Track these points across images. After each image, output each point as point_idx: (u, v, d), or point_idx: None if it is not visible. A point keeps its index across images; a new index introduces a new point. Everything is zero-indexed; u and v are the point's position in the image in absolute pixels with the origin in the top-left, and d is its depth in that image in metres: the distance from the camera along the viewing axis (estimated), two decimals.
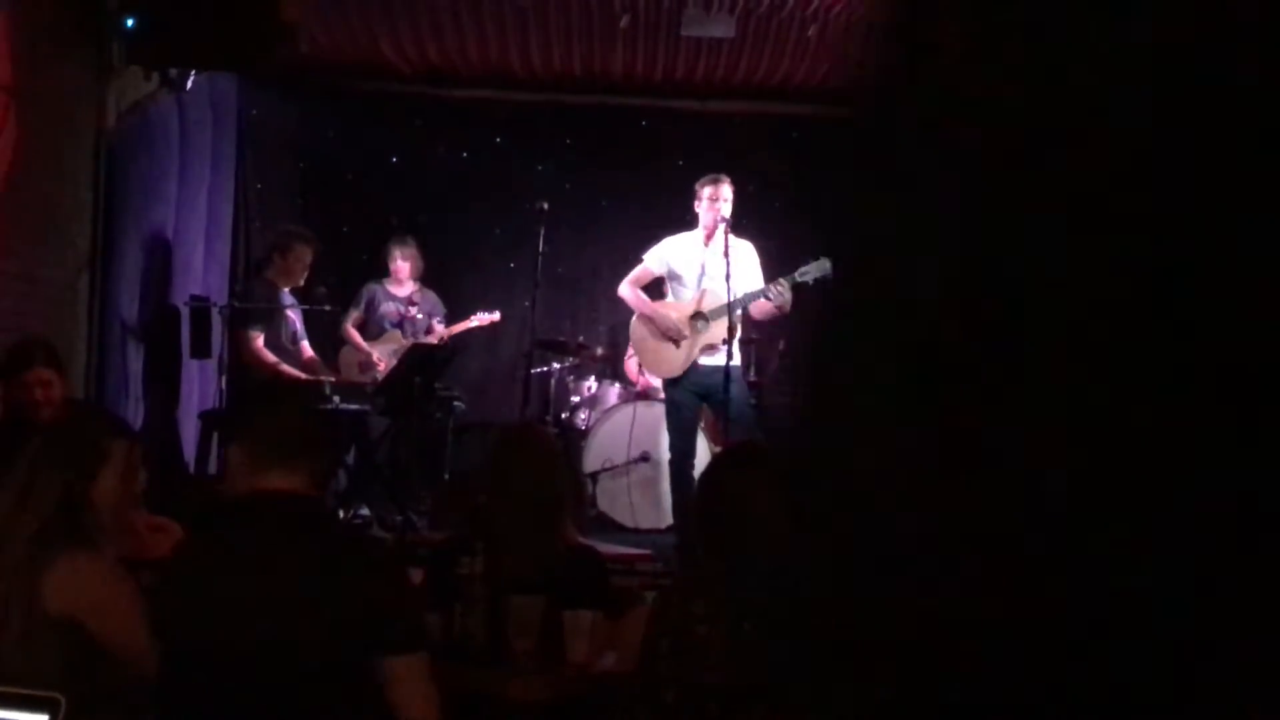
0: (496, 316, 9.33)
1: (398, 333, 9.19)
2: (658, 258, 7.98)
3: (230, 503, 3.35)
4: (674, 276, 7.92)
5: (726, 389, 7.45)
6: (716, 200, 7.74)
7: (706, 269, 7.76)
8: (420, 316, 9.23)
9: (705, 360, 7.70)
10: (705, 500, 3.49)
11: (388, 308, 9.27)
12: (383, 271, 9.39)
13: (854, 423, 4.45)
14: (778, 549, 3.34)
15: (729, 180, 7.81)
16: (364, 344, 9.15)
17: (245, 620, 3.08)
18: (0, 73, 6.30)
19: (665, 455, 8.62)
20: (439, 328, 9.17)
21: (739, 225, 7.79)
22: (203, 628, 3.12)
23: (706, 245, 7.79)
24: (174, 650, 3.17)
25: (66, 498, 3.40)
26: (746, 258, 7.81)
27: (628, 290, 8.01)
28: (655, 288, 8.12)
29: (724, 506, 3.41)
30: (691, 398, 7.78)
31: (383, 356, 9.00)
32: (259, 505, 3.24)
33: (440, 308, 9.32)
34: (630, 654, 3.52)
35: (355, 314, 9.25)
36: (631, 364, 9.62)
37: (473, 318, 9.26)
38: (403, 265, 9.27)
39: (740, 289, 7.56)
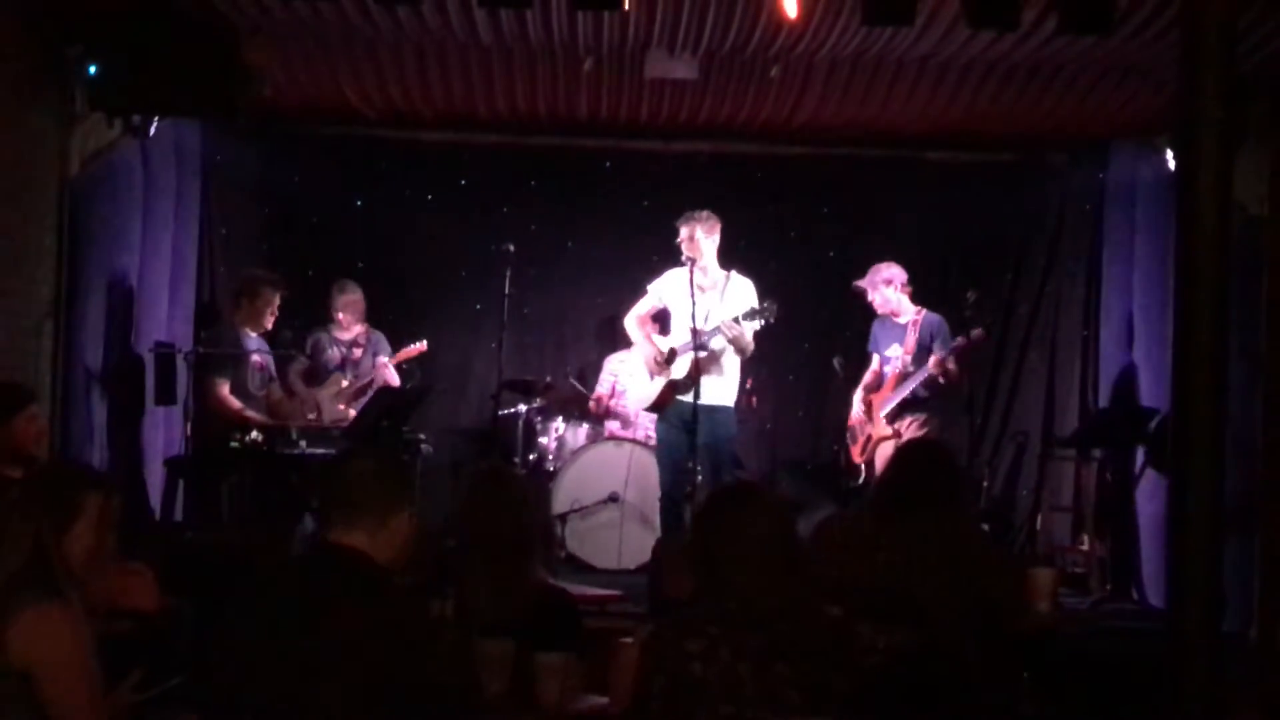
0: (423, 345, 9.29)
1: (339, 375, 9.13)
2: (654, 288, 8.30)
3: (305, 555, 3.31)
4: (667, 311, 8.22)
5: (694, 425, 7.74)
6: (680, 240, 7.97)
7: (700, 306, 7.94)
8: (364, 357, 9.18)
9: (687, 397, 7.88)
10: (700, 538, 3.48)
11: (331, 353, 9.20)
12: (326, 316, 9.32)
13: None
14: (773, 587, 3.34)
15: (696, 219, 8.11)
16: (303, 389, 9.06)
17: (285, 674, 3.02)
18: None
19: (632, 496, 8.69)
20: (380, 362, 9.10)
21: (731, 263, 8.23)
22: (245, 676, 3.07)
23: (704, 285, 8.04)
24: (218, 692, 3.13)
25: (36, 549, 3.39)
26: (736, 296, 8.11)
27: (629, 321, 8.36)
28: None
29: (718, 545, 3.39)
30: (675, 433, 8.00)
31: (322, 402, 8.95)
32: (318, 560, 3.23)
33: (386, 346, 9.26)
34: (621, 695, 3.51)
35: (301, 362, 9.17)
36: (596, 402, 9.63)
37: (402, 350, 9.23)
38: (342, 316, 9.20)
39: (740, 345, 7.96)
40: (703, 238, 8.07)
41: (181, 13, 7.01)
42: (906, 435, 8.33)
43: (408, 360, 9.26)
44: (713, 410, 7.95)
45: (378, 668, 2.99)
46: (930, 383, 8.36)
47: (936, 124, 8.95)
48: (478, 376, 10.02)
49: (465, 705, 3.08)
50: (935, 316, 8.57)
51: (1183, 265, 3.71)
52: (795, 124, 9.09)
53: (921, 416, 8.40)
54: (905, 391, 8.42)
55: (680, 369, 8.02)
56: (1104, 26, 6.74)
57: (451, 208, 10.07)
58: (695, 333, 7.80)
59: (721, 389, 8.06)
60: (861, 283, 8.62)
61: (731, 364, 8.13)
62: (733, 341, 7.96)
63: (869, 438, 8.59)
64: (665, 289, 8.26)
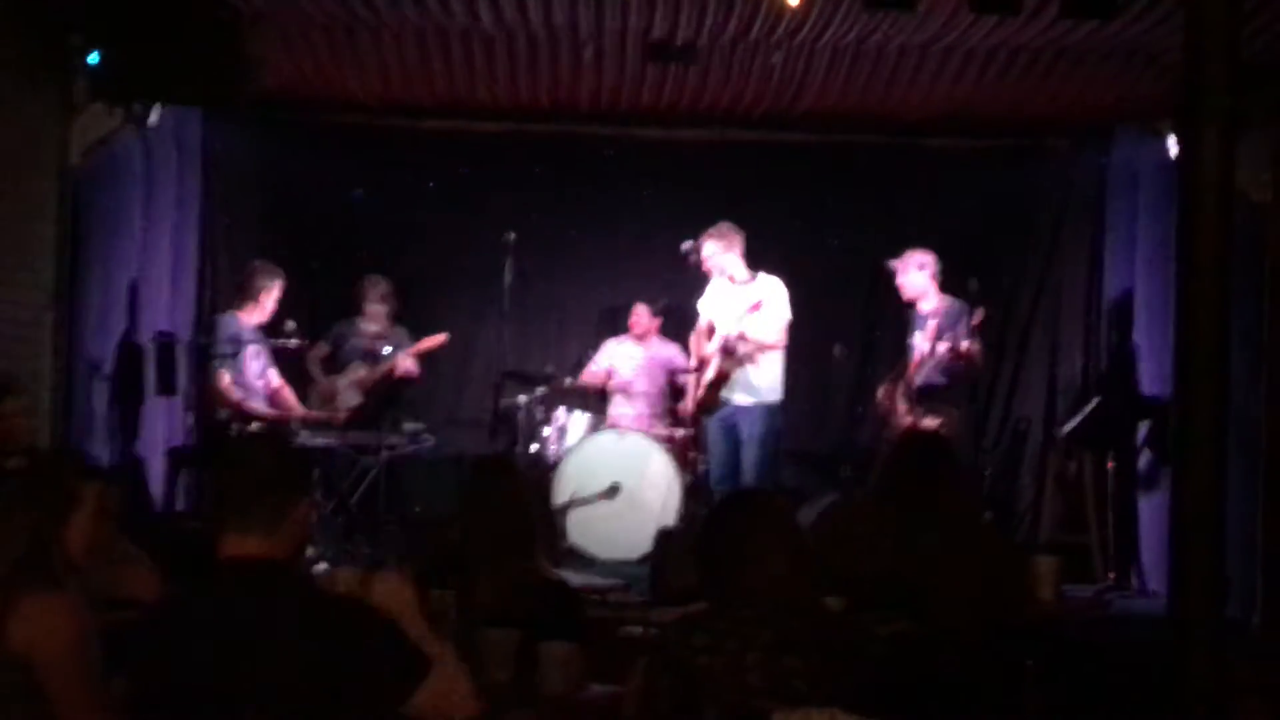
0: (443, 337, 9.34)
1: (360, 364, 9.16)
2: (701, 305, 8.79)
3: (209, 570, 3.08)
4: (713, 323, 8.62)
5: (732, 423, 8.53)
6: (702, 259, 8.61)
7: (729, 306, 8.56)
8: (387, 349, 9.20)
9: (727, 394, 8.56)
10: (707, 543, 3.50)
11: (356, 342, 9.25)
12: (353, 308, 9.36)
13: None
14: (780, 586, 3.35)
15: (710, 236, 8.55)
16: (321, 377, 9.13)
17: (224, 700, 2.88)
18: None
19: (634, 486, 8.72)
20: (400, 356, 9.12)
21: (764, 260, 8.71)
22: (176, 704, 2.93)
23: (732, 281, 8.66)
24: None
25: (36, 539, 3.39)
26: (762, 298, 8.52)
27: (693, 339, 8.85)
28: None
29: (726, 551, 3.41)
30: (716, 431, 8.60)
31: (341, 388, 8.98)
32: (218, 580, 3.01)
33: (408, 342, 9.28)
34: (631, 695, 3.52)
35: (321, 348, 9.23)
36: (592, 376, 9.69)
37: (422, 341, 9.26)
38: (380, 309, 9.26)
39: (751, 329, 8.43)
40: (719, 253, 8.56)
41: (182, 1, 7.00)
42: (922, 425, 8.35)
43: (426, 351, 9.29)
44: (748, 409, 8.52)
45: (318, 680, 2.86)
46: (949, 369, 8.35)
47: (939, 110, 8.94)
48: (479, 366, 10.00)
49: (412, 675, 2.97)
50: (954, 304, 8.50)
51: (1185, 251, 3.71)
52: (797, 111, 9.08)
53: (940, 408, 8.38)
54: (922, 379, 8.41)
55: (709, 372, 8.54)
56: (1106, 11, 6.73)
57: (452, 196, 10.04)
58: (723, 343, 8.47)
59: (754, 388, 8.53)
60: (894, 262, 8.62)
61: (764, 365, 8.55)
62: (741, 337, 8.43)
63: (891, 426, 8.61)
64: (705, 304, 8.70)
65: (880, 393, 8.75)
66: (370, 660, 2.91)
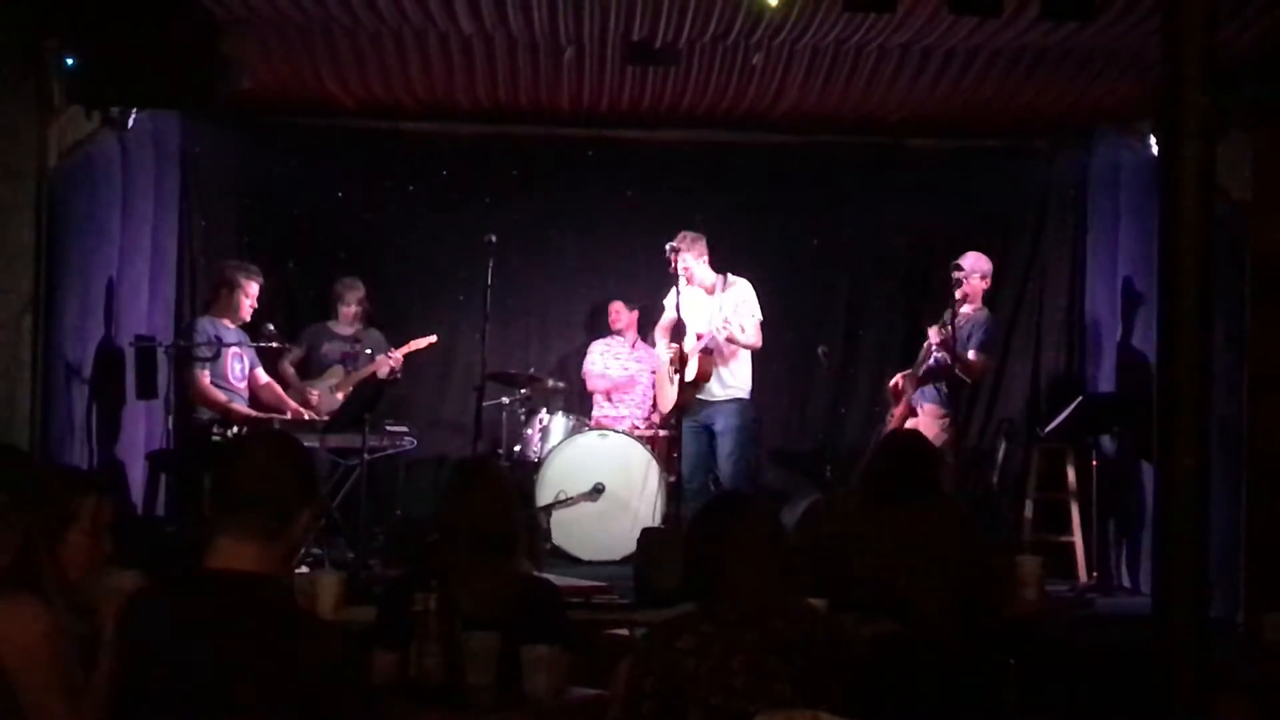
0: (433, 338, 9.34)
1: (340, 368, 9.12)
2: (668, 302, 8.82)
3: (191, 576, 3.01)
4: (681, 319, 8.53)
5: (711, 421, 8.68)
6: (671, 268, 8.53)
7: (700, 311, 8.67)
8: (366, 352, 9.16)
9: (702, 395, 8.68)
10: (694, 545, 3.50)
11: (331, 346, 9.20)
12: (327, 311, 9.32)
13: None
14: (765, 588, 3.35)
15: (680, 247, 8.52)
16: (296, 380, 9.08)
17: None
18: None
19: (616, 486, 8.71)
20: (381, 358, 9.07)
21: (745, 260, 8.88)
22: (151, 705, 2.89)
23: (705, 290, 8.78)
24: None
25: (24, 553, 3.34)
26: (733, 297, 8.63)
27: (656, 334, 8.98)
28: None
29: (712, 554, 3.41)
30: (691, 433, 8.62)
31: (322, 393, 8.94)
32: (203, 587, 2.93)
33: (384, 345, 9.23)
34: (615, 697, 3.52)
35: (295, 352, 9.17)
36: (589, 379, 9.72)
37: (412, 342, 9.22)
38: (355, 309, 9.23)
39: (738, 329, 8.52)
40: (693, 262, 8.65)
41: (159, 4, 6.97)
42: (923, 418, 8.37)
43: (416, 351, 9.27)
44: (725, 403, 8.70)
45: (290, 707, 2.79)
46: (943, 366, 8.36)
47: (919, 111, 8.94)
48: (461, 368, 9.97)
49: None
50: (984, 313, 8.64)
51: (1167, 250, 3.71)
52: (777, 112, 9.07)
53: (942, 409, 8.42)
54: (928, 362, 8.45)
55: (690, 371, 8.54)
56: (1085, 13, 6.74)
57: (433, 198, 10.01)
58: (698, 338, 8.62)
59: (726, 384, 8.72)
60: (964, 263, 8.50)
61: (739, 362, 8.74)
62: (730, 339, 8.58)
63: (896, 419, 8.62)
64: (673, 303, 8.65)
65: (891, 383, 8.79)
66: (343, 689, 2.86)
